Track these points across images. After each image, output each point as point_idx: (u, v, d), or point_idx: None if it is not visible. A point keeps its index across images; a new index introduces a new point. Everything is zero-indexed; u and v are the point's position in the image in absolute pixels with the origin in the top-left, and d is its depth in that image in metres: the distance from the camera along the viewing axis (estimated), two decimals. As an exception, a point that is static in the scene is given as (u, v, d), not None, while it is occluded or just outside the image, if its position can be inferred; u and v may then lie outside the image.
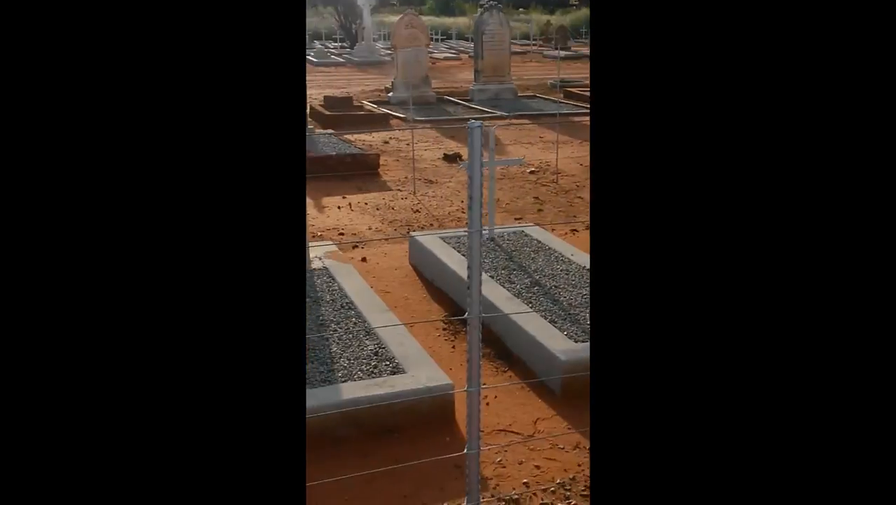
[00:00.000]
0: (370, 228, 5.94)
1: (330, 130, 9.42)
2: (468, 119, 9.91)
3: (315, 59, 20.14)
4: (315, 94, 13.05)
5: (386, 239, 5.67)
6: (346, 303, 3.93)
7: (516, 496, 2.70)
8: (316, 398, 2.99)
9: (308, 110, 11.23)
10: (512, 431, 3.14)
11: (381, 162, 8.13)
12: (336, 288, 4.12)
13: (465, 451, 2.12)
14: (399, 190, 7.20)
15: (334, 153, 7.84)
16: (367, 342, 3.49)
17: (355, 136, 9.61)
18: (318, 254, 4.61)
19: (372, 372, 3.23)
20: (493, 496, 2.70)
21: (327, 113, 10.98)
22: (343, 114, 11.01)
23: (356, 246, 5.50)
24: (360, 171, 7.64)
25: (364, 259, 5.18)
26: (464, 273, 2.35)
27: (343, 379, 3.17)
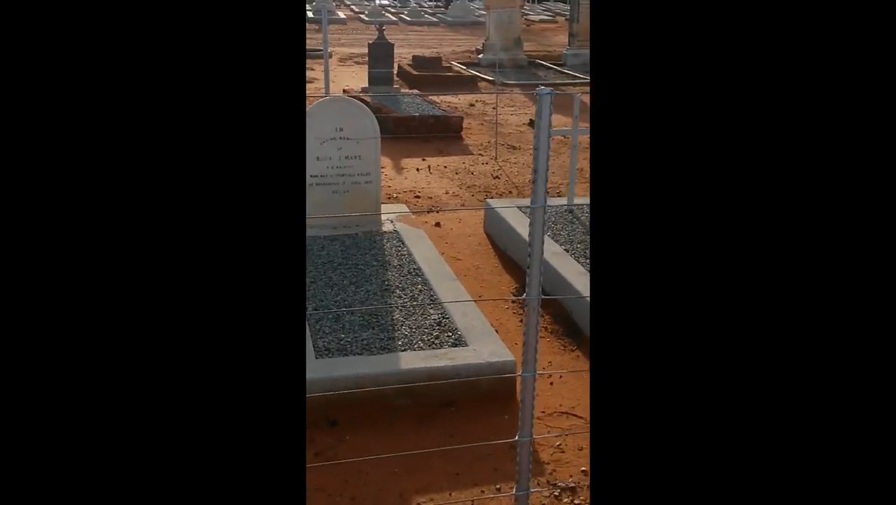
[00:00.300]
0: (447, 193, 5.82)
1: (415, 91, 9.30)
2: (559, 84, 9.62)
3: (408, 18, 20.00)
4: (405, 53, 12.94)
5: (462, 205, 5.55)
6: (414, 269, 3.84)
7: (573, 484, 2.57)
8: (373, 366, 2.92)
9: (395, 70, 11.14)
10: (574, 415, 3.00)
11: (465, 125, 7.98)
12: (405, 253, 4.03)
13: (517, 437, 2.00)
14: (480, 154, 7.04)
15: (417, 114, 7.73)
16: (430, 311, 3.40)
17: (441, 97, 9.47)
18: (390, 217, 4.53)
19: (433, 343, 3.14)
20: (548, 482, 2.58)
21: (415, 73, 10.86)
22: (431, 74, 10.87)
23: (431, 211, 5.40)
24: (443, 134, 7.51)
25: (438, 224, 5.08)
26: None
27: (403, 348, 3.08)
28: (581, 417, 2.98)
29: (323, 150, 4.23)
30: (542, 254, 1.82)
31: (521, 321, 3.73)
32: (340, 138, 4.23)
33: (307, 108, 4.23)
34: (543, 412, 2.98)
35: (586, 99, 8.96)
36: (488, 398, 3.00)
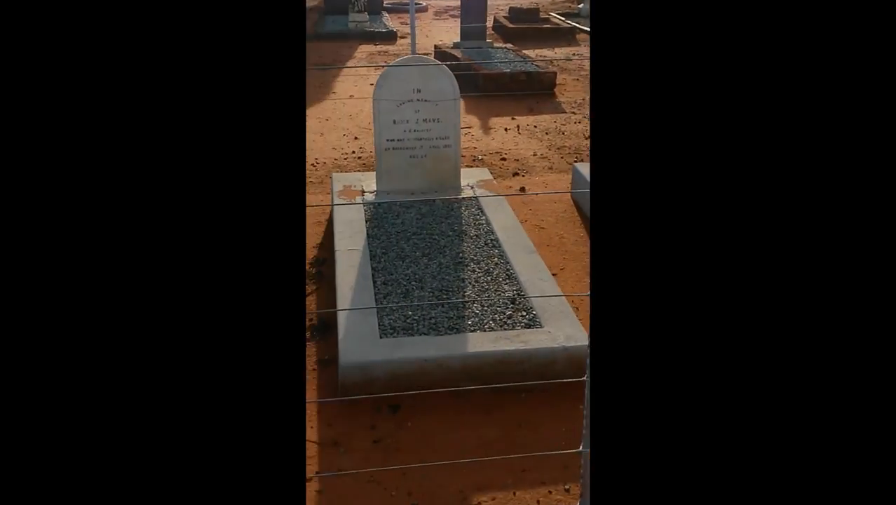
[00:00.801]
0: (535, 155, 5.55)
1: (508, 45, 8.95)
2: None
3: (507, -32, 19.38)
4: (502, 4, 12.53)
5: (549, 168, 5.27)
6: (491, 240, 3.63)
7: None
8: (439, 348, 2.75)
9: (491, 23, 10.78)
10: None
11: (559, 81, 7.62)
12: (483, 222, 3.82)
13: (580, 448, 1.79)
14: (573, 113, 6.70)
15: (508, 70, 7.41)
16: (505, 287, 3.19)
17: (536, 51, 9.09)
18: (470, 181, 4.32)
19: (505, 323, 2.94)
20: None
21: (510, 26, 10.48)
22: (526, 27, 10.46)
23: (516, 174, 5.15)
24: (535, 91, 7.18)
25: (522, 189, 4.83)
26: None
27: (472, 328, 2.90)
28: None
29: (400, 113, 4.04)
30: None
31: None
32: (418, 100, 4.03)
33: (385, 70, 4.04)
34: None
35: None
36: (562, 385, 2.78)
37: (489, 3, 10.36)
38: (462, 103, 6.88)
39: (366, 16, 10.72)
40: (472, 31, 8.75)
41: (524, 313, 3.00)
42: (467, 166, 5.24)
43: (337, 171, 5.16)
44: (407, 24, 9.95)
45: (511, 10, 11.32)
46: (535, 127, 6.23)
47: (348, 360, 2.70)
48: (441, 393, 2.71)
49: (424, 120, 4.07)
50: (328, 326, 3.17)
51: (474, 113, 6.63)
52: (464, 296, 3.12)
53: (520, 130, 6.14)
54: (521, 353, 2.76)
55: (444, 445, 2.51)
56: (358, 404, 2.68)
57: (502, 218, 3.86)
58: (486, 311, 3.02)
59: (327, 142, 5.82)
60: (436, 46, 8.81)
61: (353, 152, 5.56)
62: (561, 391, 2.76)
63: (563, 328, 2.88)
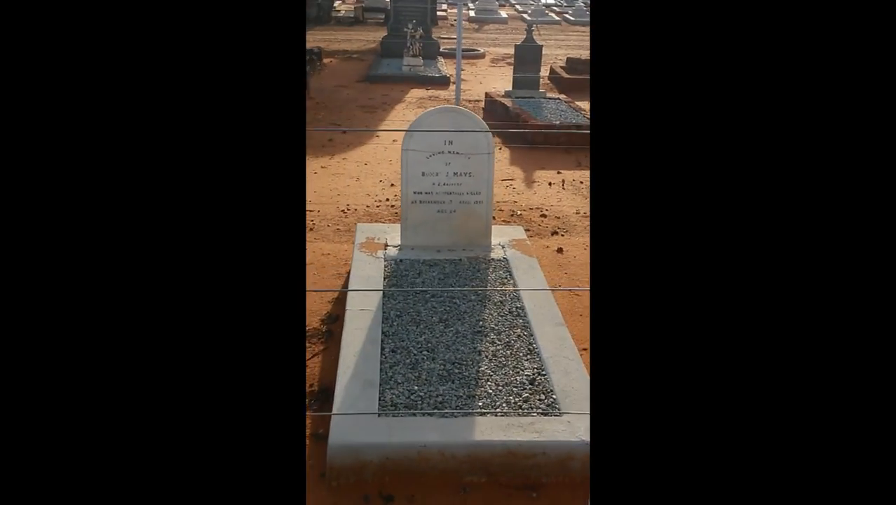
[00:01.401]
0: (577, 213, 5.24)
1: (562, 96, 8.71)
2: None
3: (572, 18, 19.29)
4: (561, 54, 12.34)
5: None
6: (517, 308, 3.32)
7: None
8: (442, 433, 2.45)
9: (547, 72, 10.58)
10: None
11: (611, 135, 7.31)
12: (510, 287, 3.52)
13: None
14: (623, 169, 6.38)
15: (558, 122, 7.15)
16: (525, 364, 2.88)
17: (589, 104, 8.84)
18: (502, 240, 4.03)
19: (520, 407, 2.62)
20: None
21: (566, 76, 10.26)
22: (584, 78, 10.22)
23: (555, 232, 4.84)
24: (585, 145, 6.90)
25: (560, 249, 4.52)
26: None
27: (482, 410, 2.59)
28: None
29: (429, 165, 3.80)
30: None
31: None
32: (449, 152, 3.78)
33: (416, 119, 3.82)
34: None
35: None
36: (579, 484, 2.45)
37: (548, 52, 10.18)
38: (507, 153, 6.63)
39: (420, 60, 10.64)
40: (524, 81, 8.54)
41: (542, 397, 2.68)
42: (504, 221, 4.96)
43: (367, 219, 4.93)
44: (462, 69, 9.83)
45: (568, 59, 11.11)
46: (581, 183, 5.93)
47: (339, 440, 2.41)
48: (441, 485, 2.40)
49: (455, 173, 3.82)
50: (330, 392, 2.89)
51: (519, 164, 6.37)
52: (477, 372, 2.82)
53: (564, 186, 5.85)
54: (535, 445, 2.44)
55: (436, 549, 2.20)
56: (344, 492, 2.38)
57: (532, 283, 3.56)
58: (500, 390, 2.71)
59: (362, 187, 5.62)
60: (487, 94, 8.62)
61: (387, 200, 5.34)
62: (576, 492, 2.42)
63: (585, 419, 2.54)
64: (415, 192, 3.84)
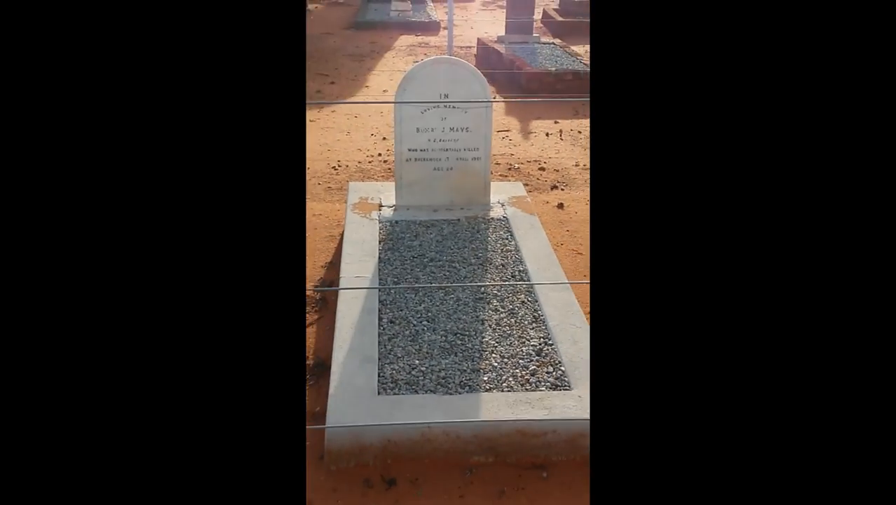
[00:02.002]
0: (577, 165, 5.05)
1: (556, 41, 8.42)
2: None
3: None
4: (552, -4, 11.98)
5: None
6: (519, 271, 3.17)
7: None
8: (446, 412, 2.31)
9: (539, 15, 10.24)
10: None
11: (608, 81, 7.08)
12: (511, 248, 3.36)
13: None
14: (622, 117, 6.17)
15: (554, 68, 6.90)
16: (530, 333, 2.73)
17: (586, 47, 8.55)
18: (501, 198, 3.85)
19: (527, 381, 2.48)
20: None
21: (560, 19, 9.94)
22: (579, 21, 9.91)
23: (555, 187, 4.66)
24: (582, 92, 6.67)
25: (560, 205, 4.35)
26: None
27: (488, 386, 2.45)
28: None
29: (424, 121, 3.59)
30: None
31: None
32: (445, 106, 3.57)
33: (409, 71, 3.60)
34: None
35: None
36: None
37: (538, -6, 9.83)
38: (502, 104, 6.40)
39: (409, 5, 10.29)
40: (517, 25, 8.25)
41: (550, 369, 2.54)
42: (501, 176, 4.78)
43: (359, 176, 4.74)
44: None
45: (562, 2, 10.77)
46: (580, 133, 5.73)
47: (338, 421, 2.27)
48: (446, 467, 2.27)
49: (452, 128, 3.62)
50: (326, 366, 2.75)
51: (515, 114, 6.15)
52: (480, 343, 2.67)
53: (562, 136, 5.64)
54: (545, 423, 2.30)
55: (443, 537, 2.08)
56: (344, 476, 2.25)
57: (534, 244, 3.39)
58: (505, 363, 2.56)
59: (353, 142, 5.40)
60: (479, 40, 8.33)
61: (380, 155, 5.13)
62: (587, 473, 2.30)
63: (597, 392, 2.41)
64: (409, 150, 3.64)
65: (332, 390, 2.39)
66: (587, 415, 2.32)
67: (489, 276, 3.13)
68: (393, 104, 3.59)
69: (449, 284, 3.03)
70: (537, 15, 9.90)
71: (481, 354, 2.60)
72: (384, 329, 2.74)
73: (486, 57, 7.81)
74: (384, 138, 5.44)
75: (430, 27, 9.84)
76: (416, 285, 3.02)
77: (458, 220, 3.62)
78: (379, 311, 2.84)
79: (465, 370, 2.52)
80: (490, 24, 10.05)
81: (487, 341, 2.68)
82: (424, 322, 2.78)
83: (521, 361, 2.58)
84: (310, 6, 11.03)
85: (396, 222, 3.58)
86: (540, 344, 2.67)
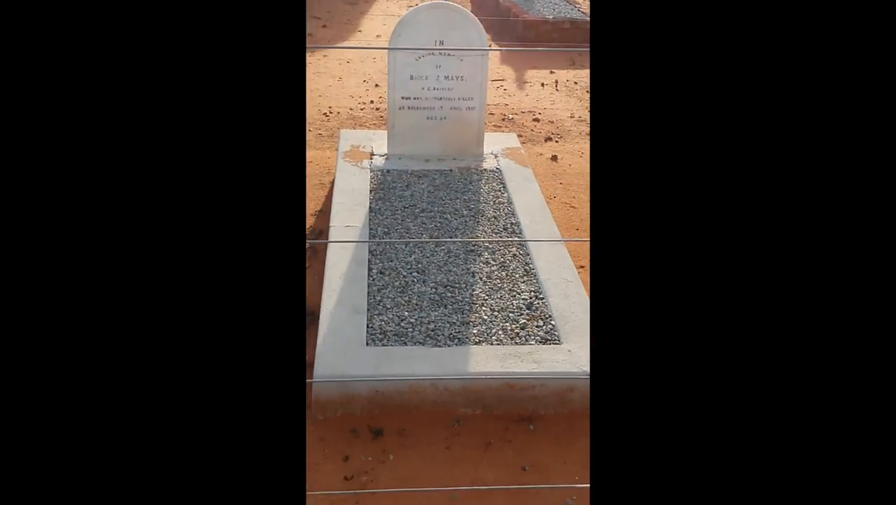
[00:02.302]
0: (572, 117, 4.98)
1: (554, -12, 8.24)
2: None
3: None
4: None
5: (587, 133, 4.71)
6: (512, 224, 3.14)
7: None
8: (434, 364, 2.30)
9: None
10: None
11: (606, 31, 6.96)
12: (504, 200, 3.32)
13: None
14: (619, 69, 6.08)
15: (551, 17, 6.77)
16: (521, 286, 2.71)
17: (584, -4, 8.38)
18: (495, 149, 3.80)
19: (517, 334, 2.47)
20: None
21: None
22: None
23: (549, 139, 4.60)
24: (579, 42, 6.55)
25: (554, 157, 4.30)
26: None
27: (477, 339, 2.44)
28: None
29: (418, 68, 3.52)
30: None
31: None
32: (440, 53, 3.49)
33: (403, 16, 3.50)
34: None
35: None
36: (579, 416, 2.33)
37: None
38: (497, 52, 6.28)
39: (404, -53, 10.03)
40: (515, -29, 8.05)
41: (540, 323, 2.53)
42: (495, 126, 4.71)
43: (351, 123, 4.66)
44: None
45: (561, -52, 10.52)
46: (576, 84, 5.64)
47: (325, 371, 2.26)
48: (433, 418, 2.27)
49: (446, 77, 3.55)
50: (315, 316, 2.73)
51: (510, 64, 6.04)
52: (471, 296, 2.65)
53: (558, 87, 5.56)
54: (533, 376, 2.30)
55: (431, 485, 2.08)
56: (332, 426, 2.25)
57: (527, 196, 3.36)
58: (495, 316, 2.55)
59: (345, 88, 5.30)
60: (475, -15, 8.15)
61: (372, 102, 5.05)
62: (576, 424, 2.31)
63: (585, 346, 2.40)
64: (402, 98, 3.57)
65: (320, 340, 2.38)
66: (576, 369, 2.32)
67: (481, 227, 3.10)
68: (387, 50, 3.50)
69: (443, 239, 3.00)
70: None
71: (471, 307, 2.59)
72: (374, 280, 2.71)
73: (483, 4, 7.65)
74: (377, 85, 5.34)
75: (426, -29, 9.64)
76: (409, 240, 2.99)
77: (451, 170, 3.57)
78: (369, 261, 2.81)
79: (454, 323, 2.50)
80: (487, -30, 9.83)
81: (478, 294, 2.66)
82: (415, 273, 2.76)
83: (511, 314, 2.57)
84: (302, -54, 10.75)
85: (388, 171, 3.53)
86: (531, 297, 2.66)
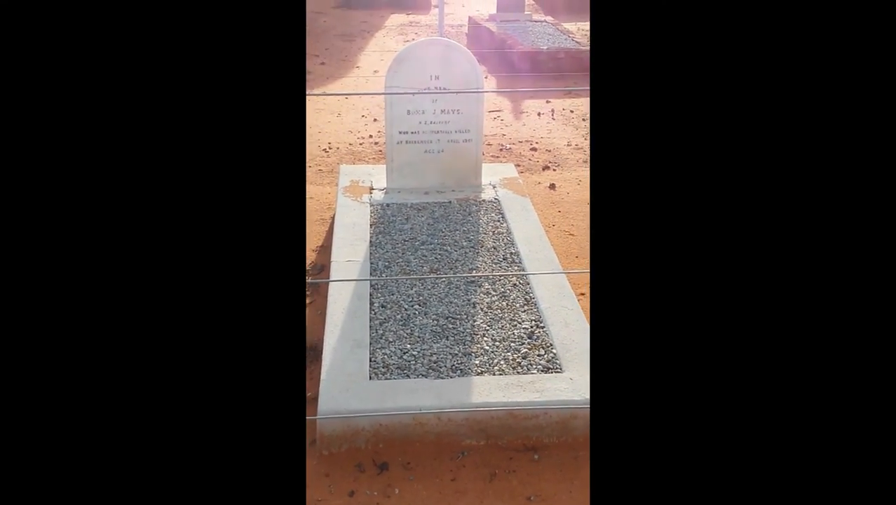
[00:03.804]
0: (569, 145, 5.03)
1: (547, 18, 8.36)
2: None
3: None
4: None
5: (585, 161, 4.76)
6: (511, 254, 3.17)
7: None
8: (438, 396, 2.32)
9: (532, -8, 10.15)
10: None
11: (601, 59, 7.04)
12: (503, 231, 3.36)
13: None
14: (614, 96, 6.15)
15: (545, 47, 6.86)
16: (522, 316, 2.74)
17: (578, 24, 8.50)
18: (493, 179, 3.84)
19: (519, 364, 2.49)
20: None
21: (552, -4, 9.86)
22: (570, -2, 9.83)
23: (547, 167, 4.65)
24: (575, 71, 6.63)
25: (552, 186, 4.34)
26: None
27: (479, 370, 2.46)
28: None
29: (415, 103, 3.57)
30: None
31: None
32: (436, 89, 3.55)
33: (399, 52, 3.57)
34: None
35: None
36: (583, 444, 2.34)
37: (530, -29, 9.72)
38: (494, 82, 6.37)
39: (399, -17, 10.19)
40: (509, 2, 8.18)
41: (542, 352, 2.55)
42: (493, 156, 4.76)
43: (350, 158, 4.72)
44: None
45: (554, -21, 10.68)
46: (572, 112, 5.70)
47: (329, 407, 2.28)
48: (438, 450, 2.28)
49: (443, 111, 3.60)
50: (318, 351, 2.75)
51: (506, 94, 6.12)
52: (472, 327, 2.67)
53: (554, 115, 5.62)
54: (536, 405, 2.31)
55: (435, 521, 2.09)
56: (336, 461, 2.26)
57: (526, 226, 3.39)
58: (497, 346, 2.57)
59: (344, 123, 5.37)
60: (470, 18, 8.27)
61: (371, 136, 5.11)
62: (580, 452, 2.32)
63: (587, 375, 2.42)
64: (400, 132, 3.62)
65: (324, 375, 2.40)
66: (578, 397, 2.34)
67: (481, 258, 3.13)
68: (384, 89, 3.56)
69: (443, 276, 3.03)
70: (529, -8, 9.82)
71: (473, 338, 2.61)
72: (375, 313, 2.74)
73: (478, 35, 7.75)
74: (375, 120, 5.41)
75: (421, 5, 9.76)
76: (408, 276, 3.02)
77: (450, 202, 3.61)
78: (370, 295, 2.84)
79: (456, 354, 2.52)
80: (481, 2, 9.96)
81: (479, 325, 2.68)
82: (416, 306, 2.78)
83: (512, 343, 2.59)
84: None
85: (388, 205, 3.57)
86: (531, 327, 2.68)
